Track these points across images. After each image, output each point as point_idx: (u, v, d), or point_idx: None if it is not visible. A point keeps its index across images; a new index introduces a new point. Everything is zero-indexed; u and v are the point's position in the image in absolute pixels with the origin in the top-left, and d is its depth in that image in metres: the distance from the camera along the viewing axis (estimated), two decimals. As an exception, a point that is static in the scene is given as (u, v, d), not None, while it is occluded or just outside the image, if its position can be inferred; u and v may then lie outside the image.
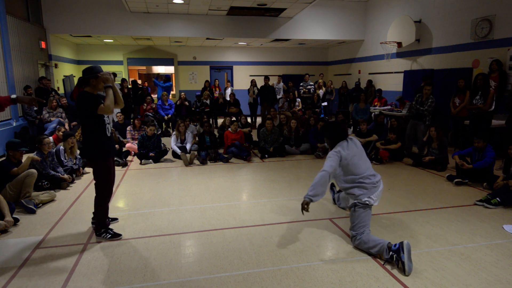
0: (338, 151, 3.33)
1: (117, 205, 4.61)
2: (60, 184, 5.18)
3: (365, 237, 3.22)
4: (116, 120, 8.53)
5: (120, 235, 3.60)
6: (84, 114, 3.33)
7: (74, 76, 12.45)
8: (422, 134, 6.88)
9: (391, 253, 2.98)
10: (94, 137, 3.39)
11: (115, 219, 4.01)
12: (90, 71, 3.38)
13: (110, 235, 3.56)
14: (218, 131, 8.64)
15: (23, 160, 4.68)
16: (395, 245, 2.98)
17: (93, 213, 3.73)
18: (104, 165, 3.47)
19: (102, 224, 3.59)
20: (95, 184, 3.54)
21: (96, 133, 3.39)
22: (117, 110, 9.05)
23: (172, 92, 16.25)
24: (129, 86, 11.43)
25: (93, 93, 3.38)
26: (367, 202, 3.28)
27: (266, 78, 11.53)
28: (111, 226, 3.75)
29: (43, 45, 10.21)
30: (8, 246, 3.43)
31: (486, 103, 6.39)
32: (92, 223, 3.83)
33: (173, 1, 9.63)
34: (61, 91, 11.23)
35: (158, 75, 12.19)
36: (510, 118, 6.22)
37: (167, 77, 12.80)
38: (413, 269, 2.91)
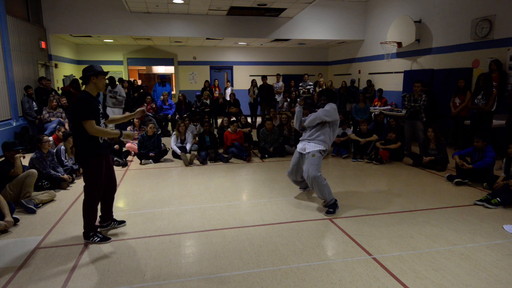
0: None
1: (117, 205, 4.60)
2: (60, 184, 5.18)
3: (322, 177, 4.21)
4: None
5: (109, 238, 3.51)
6: (77, 115, 3.22)
7: (74, 76, 12.43)
8: (421, 131, 6.96)
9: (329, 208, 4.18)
10: (85, 135, 3.24)
11: (122, 222, 3.89)
12: (91, 69, 3.34)
13: (99, 239, 3.46)
14: (217, 131, 8.64)
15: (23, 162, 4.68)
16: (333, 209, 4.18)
17: (100, 216, 3.70)
18: (96, 163, 3.33)
19: (90, 228, 3.46)
20: (84, 186, 3.40)
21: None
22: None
23: (172, 92, 16.25)
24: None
25: (93, 96, 3.31)
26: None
27: (264, 77, 11.48)
28: (117, 230, 3.73)
29: (43, 45, 10.21)
30: (8, 246, 3.43)
31: (488, 103, 6.39)
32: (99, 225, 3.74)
33: (173, 1, 9.63)
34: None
35: (160, 80, 12.10)
36: (510, 118, 6.22)
37: (162, 78, 12.34)
38: (413, 269, 2.92)
